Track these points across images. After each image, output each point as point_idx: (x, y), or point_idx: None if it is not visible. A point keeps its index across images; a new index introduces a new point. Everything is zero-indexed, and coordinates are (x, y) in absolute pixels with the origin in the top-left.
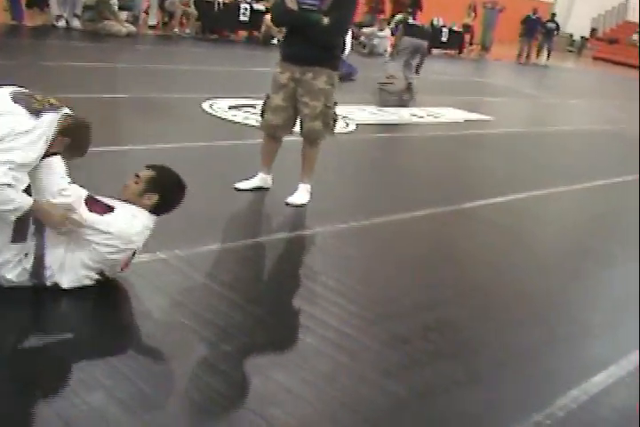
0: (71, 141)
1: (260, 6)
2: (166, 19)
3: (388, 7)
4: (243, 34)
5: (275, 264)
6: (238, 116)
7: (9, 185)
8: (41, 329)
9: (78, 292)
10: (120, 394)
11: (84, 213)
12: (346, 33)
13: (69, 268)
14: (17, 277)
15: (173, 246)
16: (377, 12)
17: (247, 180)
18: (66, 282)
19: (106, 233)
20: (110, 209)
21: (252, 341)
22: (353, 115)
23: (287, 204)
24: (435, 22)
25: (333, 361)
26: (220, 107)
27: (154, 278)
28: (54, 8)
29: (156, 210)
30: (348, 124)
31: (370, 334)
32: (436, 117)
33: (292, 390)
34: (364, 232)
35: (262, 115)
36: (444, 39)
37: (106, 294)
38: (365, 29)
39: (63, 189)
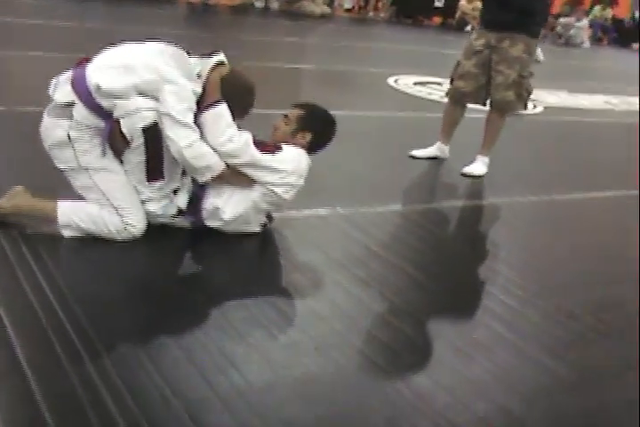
0: (228, 96)
1: None
2: (362, 3)
3: None
4: (437, 20)
5: (438, 230)
6: (423, 92)
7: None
8: (195, 268)
9: (230, 238)
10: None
11: (256, 154)
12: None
13: (237, 211)
14: (162, 210)
15: (336, 204)
16: (576, 3)
17: (424, 148)
18: (231, 227)
19: (281, 171)
20: (279, 148)
21: (405, 303)
22: (541, 97)
23: (463, 174)
24: (636, 15)
25: (492, 332)
26: (405, 83)
27: (311, 233)
28: None
29: (310, 148)
30: (535, 106)
31: (534, 307)
32: (630, 106)
33: (442, 360)
34: (540, 207)
35: (451, 81)
36: None
37: (261, 243)
38: (562, 19)
39: (232, 136)
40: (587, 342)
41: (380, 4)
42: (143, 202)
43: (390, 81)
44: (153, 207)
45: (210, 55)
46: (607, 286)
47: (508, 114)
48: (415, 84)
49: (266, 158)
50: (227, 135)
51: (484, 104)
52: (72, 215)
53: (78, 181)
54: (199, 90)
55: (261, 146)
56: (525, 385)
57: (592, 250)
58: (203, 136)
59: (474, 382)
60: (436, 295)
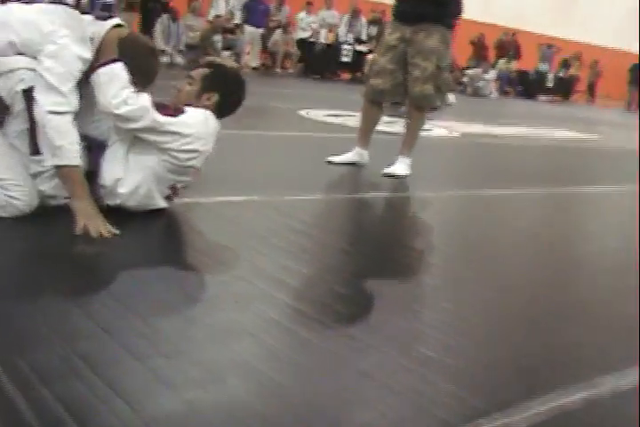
0: (128, 58)
1: (362, 48)
2: (269, 62)
3: (491, 53)
4: (346, 76)
5: (363, 214)
6: (336, 120)
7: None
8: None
9: (135, 215)
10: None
11: (157, 117)
12: None
13: (135, 182)
14: (52, 190)
15: (253, 193)
16: (481, 57)
17: (341, 154)
18: (133, 202)
19: (186, 136)
20: (181, 111)
21: (335, 268)
22: (458, 128)
23: (385, 175)
24: (540, 68)
25: (432, 290)
26: (316, 114)
27: (225, 213)
28: (159, 43)
29: (218, 111)
30: (451, 132)
31: (472, 269)
32: (543, 133)
33: (383, 313)
34: (468, 199)
35: (367, 80)
36: (549, 85)
37: (168, 220)
38: (470, 71)
39: (128, 98)
40: (529, 298)
41: (287, 63)
42: (33, 177)
43: (302, 112)
44: (43, 186)
45: (105, 19)
46: (535, 258)
47: (425, 109)
48: (327, 115)
49: (168, 122)
50: (122, 97)
51: (402, 102)
52: None
53: None
54: (89, 55)
55: (161, 109)
56: (478, 329)
57: (516, 230)
58: (95, 99)
59: (417, 330)
60: (368, 262)
